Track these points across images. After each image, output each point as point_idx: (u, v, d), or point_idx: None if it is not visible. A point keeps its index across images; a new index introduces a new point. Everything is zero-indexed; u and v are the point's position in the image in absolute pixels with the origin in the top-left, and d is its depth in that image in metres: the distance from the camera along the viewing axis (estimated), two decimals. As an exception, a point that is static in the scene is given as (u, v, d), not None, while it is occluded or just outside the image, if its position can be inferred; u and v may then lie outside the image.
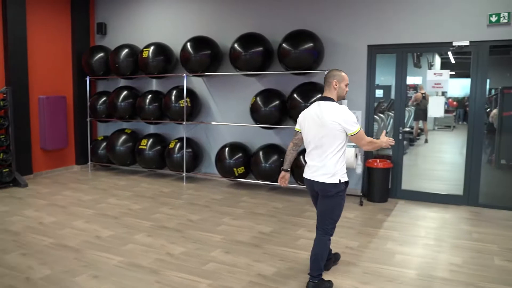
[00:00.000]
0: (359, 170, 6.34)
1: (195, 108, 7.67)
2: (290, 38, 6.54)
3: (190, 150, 7.63)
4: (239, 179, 7.22)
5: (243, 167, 7.09)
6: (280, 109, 6.75)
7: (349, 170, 6.76)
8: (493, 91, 14.35)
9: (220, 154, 7.27)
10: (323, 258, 3.60)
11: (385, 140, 3.62)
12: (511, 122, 8.66)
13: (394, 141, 3.71)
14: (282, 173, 3.92)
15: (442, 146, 11.61)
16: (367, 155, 6.66)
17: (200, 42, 7.28)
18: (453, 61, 12.28)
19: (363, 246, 4.61)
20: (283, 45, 6.54)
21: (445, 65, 12.25)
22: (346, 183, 3.56)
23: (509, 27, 5.80)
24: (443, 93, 9.41)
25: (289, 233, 5.00)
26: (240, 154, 7.14)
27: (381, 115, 9.15)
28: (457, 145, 12.09)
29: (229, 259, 4.24)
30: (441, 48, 6.31)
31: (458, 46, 6.02)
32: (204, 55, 7.20)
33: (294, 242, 4.72)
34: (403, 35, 6.33)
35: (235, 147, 7.26)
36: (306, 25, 6.78)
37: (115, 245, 4.58)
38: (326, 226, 3.57)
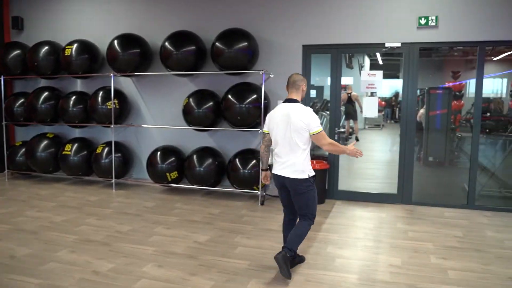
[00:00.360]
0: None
1: (124, 110, 7.19)
2: (223, 37, 6.29)
3: (119, 154, 7.15)
4: (172, 185, 6.86)
5: (176, 172, 6.73)
6: (214, 111, 6.47)
7: None
8: (418, 92, 14.92)
9: (151, 158, 6.86)
10: (302, 239, 3.86)
11: (351, 148, 3.77)
12: (437, 121, 9.02)
13: (362, 154, 3.84)
14: (263, 173, 4.17)
15: (373, 145, 11.90)
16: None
17: (128, 40, 6.82)
18: (381, 62, 12.66)
19: (303, 251, 4.45)
20: (217, 44, 6.27)
21: (373, 66, 12.60)
22: (314, 176, 3.82)
23: (437, 30, 5.93)
24: (372, 94, 9.64)
25: (226, 241, 4.74)
26: (173, 158, 6.77)
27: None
28: (386, 143, 12.47)
29: (162, 273, 3.89)
30: (374, 48, 6.34)
31: (391, 47, 6.07)
32: (133, 53, 6.76)
33: (232, 251, 4.46)
34: (337, 35, 6.29)
35: (168, 151, 6.88)
36: (240, 23, 6.56)
37: (33, 265, 4.06)
38: (308, 214, 3.85)
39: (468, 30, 5.86)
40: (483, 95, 5.90)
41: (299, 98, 3.88)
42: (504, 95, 16.34)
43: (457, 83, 13.00)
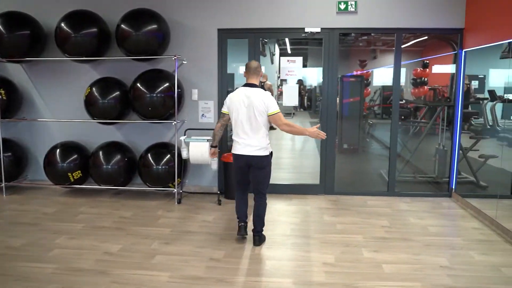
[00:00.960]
0: (214, 165, 5.71)
1: (13, 102, 6.14)
2: (130, 18, 5.54)
3: (9, 154, 6.12)
4: (75, 186, 6.00)
5: (79, 171, 5.90)
6: (121, 101, 5.73)
7: (204, 166, 6.14)
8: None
9: (49, 156, 5.94)
10: (265, 215, 4.37)
11: (312, 130, 4.09)
12: (350, 109, 9.03)
13: (325, 135, 4.17)
14: (212, 149, 4.61)
15: (286, 134, 11.73)
16: (223, 149, 6.08)
17: (14, 19, 5.78)
18: (289, 51, 12.53)
19: (230, 255, 3.99)
20: (122, 25, 5.51)
21: (283, 55, 12.44)
22: (271, 152, 4.28)
23: (356, 16, 5.74)
24: (282, 81, 9.42)
25: (142, 250, 4.12)
26: (75, 156, 5.92)
27: None
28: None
29: (66, 297, 3.22)
30: (293, 33, 6.00)
31: (310, 32, 5.78)
32: (21, 35, 5.76)
33: (149, 261, 3.87)
34: (255, 19, 5.86)
35: (69, 148, 6.01)
36: (149, 3, 5.85)
37: None
38: (263, 190, 4.30)
39: (386, 16, 5.74)
40: (385, 84, 5.92)
41: (257, 83, 4.23)
42: (403, 84, 17.24)
43: (365, 71, 13.33)
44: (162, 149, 5.85)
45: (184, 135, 5.90)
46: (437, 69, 13.80)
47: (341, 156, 8.31)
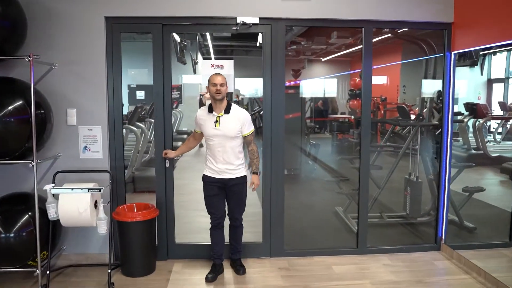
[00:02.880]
0: (103, 228, 3.51)
1: None
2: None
3: None
4: None
5: None
6: None
7: (88, 230, 3.94)
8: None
9: None
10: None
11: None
12: (288, 126, 7.19)
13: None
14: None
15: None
16: (115, 204, 3.90)
17: None
18: (213, 59, 10.48)
19: None
20: None
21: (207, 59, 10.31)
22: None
23: (309, 3, 3.87)
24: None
25: None
26: None
27: (141, 124, 6.54)
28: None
29: None
30: (220, 26, 3.95)
31: (243, 23, 3.80)
32: None
33: None
34: (163, 4, 3.77)
35: None
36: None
37: None
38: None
39: (350, 4, 3.93)
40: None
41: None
42: (335, 95, 15.90)
43: (298, 81, 11.71)
44: (15, 205, 3.53)
45: (53, 181, 3.64)
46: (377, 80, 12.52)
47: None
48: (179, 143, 8.53)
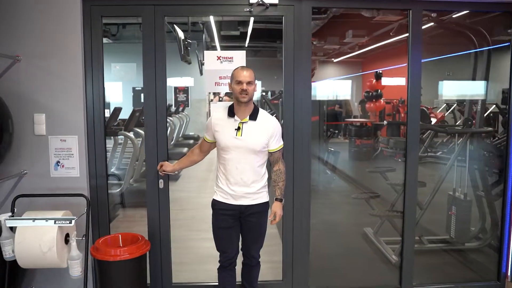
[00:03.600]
0: (76, 270, 2.63)
1: None
2: None
3: None
4: None
5: None
6: None
7: (57, 272, 3.02)
8: (270, 94, 12.40)
9: None
10: None
11: None
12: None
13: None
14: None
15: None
16: (97, 235, 3.03)
17: None
18: (219, 50, 9.52)
19: None
20: None
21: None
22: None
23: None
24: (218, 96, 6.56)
25: None
26: None
27: (130, 134, 5.71)
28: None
29: None
30: (228, 6, 3.06)
31: (260, 2, 2.91)
32: None
33: None
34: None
35: None
36: None
37: None
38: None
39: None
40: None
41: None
42: (349, 98, 14.98)
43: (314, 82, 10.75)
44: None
45: (11, 209, 2.77)
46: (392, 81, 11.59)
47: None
48: (185, 150, 7.46)
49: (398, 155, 4.06)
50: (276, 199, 2.68)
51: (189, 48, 6.68)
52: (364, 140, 8.47)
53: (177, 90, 11.84)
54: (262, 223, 2.69)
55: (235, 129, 2.54)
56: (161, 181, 2.97)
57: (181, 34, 6.31)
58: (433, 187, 4.04)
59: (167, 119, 8.64)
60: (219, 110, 2.63)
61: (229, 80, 2.61)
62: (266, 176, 2.67)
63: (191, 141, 9.37)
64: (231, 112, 2.57)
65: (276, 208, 2.66)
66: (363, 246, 4.24)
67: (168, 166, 2.86)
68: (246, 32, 8.11)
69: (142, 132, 5.86)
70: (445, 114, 9.25)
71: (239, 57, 2.95)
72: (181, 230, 4.62)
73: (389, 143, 3.96)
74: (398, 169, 4.83)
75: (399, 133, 7.71)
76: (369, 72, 13.60)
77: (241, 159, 2.55)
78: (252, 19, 7.36)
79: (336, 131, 9.68)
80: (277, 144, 2.62)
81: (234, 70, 2.55)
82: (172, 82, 11.55)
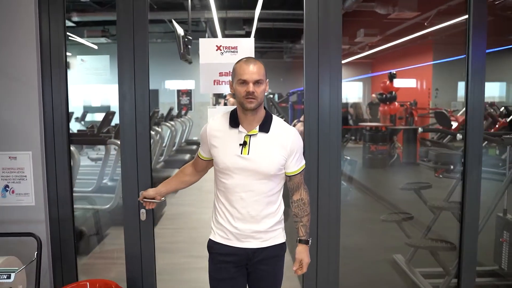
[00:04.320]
0: None
1: None
2: None
3: None
4: None
5: None
6: None
7: None
8: (276, 96, 11.61)
9: None
10: None
11: None
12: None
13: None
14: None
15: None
16: (60, 282, 2.26)
17: None
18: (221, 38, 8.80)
19: None
20: None
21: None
22: None
23: None
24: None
25: None
26: None
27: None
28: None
29: None
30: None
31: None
32: None
33: None
34: None
35: None
36: None
37: None
38: None
39: None
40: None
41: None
42: (360, 100, 14.18)
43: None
44: None
45: None
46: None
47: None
48: (187, 156, 6.77)
49: (440, 170, 3.28)
50: (300, 241, 1.90)
51: (189, 46, 5.92)
52: (380, 146, 7.68)
53: (180, 92, 11.18)
54: (276, 272, 1.90)
55: (240, 145, 1.76)
56: (142, 211, 2.20)
57: (180, 30, 5.56)
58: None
59: (168, 124, 7.92)
60: (218, 117, 1.86)
61: (230, 77, 1.84)
62: (282, 207, 1.89)
63: (194, 147, 8.63)
64: (234, 121, 1.80)
65: (302, 255, 1.88)
66: (394, 279, 3.44)
67: (150, 190, 2.05)
68: (251, 32, 7.49)
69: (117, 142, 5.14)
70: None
71: (246, 46, 2.17)
72: (178, 256, 3.87)
73: (429, 155, 3.21)
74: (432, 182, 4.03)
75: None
76: (380, 74, 12.85)
77: (248, 186, 1.77)
78: (256, 17, 6.72)
79: (353, 137, 8.91)
80: (297, 164, 1.84)
81: (236, 64, 1.78)
82: (175, 84, 10.95)
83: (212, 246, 1.88)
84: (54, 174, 2.22)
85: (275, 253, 1.87)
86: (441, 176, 3.35)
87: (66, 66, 2.20)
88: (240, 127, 1.78)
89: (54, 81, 2.18)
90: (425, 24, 5.88)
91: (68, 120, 2.24)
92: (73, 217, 2.28)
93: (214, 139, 1.82)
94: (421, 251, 3.44)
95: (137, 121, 2.19)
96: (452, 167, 3.12)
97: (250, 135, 1.77)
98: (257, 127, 1.78)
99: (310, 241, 1.91)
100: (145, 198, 2.01)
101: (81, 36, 7.46)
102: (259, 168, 1.75)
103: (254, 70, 1.71)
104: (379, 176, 7.23)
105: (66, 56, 2.20)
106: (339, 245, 2.33)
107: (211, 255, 1.90)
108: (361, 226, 4.85)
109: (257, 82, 1.71)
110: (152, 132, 6.15)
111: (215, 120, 1.86)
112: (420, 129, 6.70)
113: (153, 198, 1.99)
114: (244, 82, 1.70)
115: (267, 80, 1.78)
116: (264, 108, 1.82)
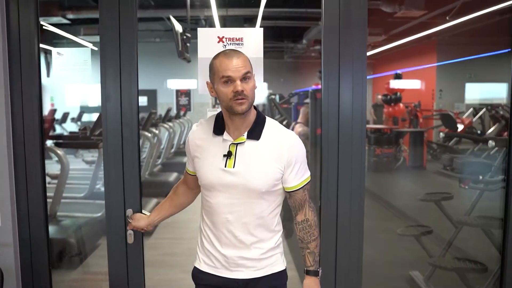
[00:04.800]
0: None
1: None
2: None
3: None
4: None
5: None
6: None
7: None
8: (278, 97, 11.28)
9: None
10: None
11: None
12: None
13: None
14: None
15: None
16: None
17: None
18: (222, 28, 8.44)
19: None
20: None
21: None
22: None
23: None
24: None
25: None
26: None
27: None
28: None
29: None
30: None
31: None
32: None
33: None
34: None
35: None
36: None
37: None
38: None
39: None
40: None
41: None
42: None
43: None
44: None
45: None
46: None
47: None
48: (185, 159, 6.17)
49: (467, 181, 2.92)
50: (308, 272, 1.54)
51: (188, 44, 5.57)
52: (385, 149, 7.34)
53: (178, 93, 10.83)
54: None
55: (224, 156, 1.44)
56: (130, 233, 1.83)
57: (178, 27, 5.22)
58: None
59: (166, 125, 7.56)
60: (202, 121, 1.55)
61: (208, 78, 1.48)
62: (280, 231, 1.54)
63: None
64: (218, 127, 1.48)
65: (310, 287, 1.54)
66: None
67: (142, 219, 1.73)
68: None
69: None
70: (473, 120, 8.15)
71: (254, 37, 1.80)
72: (176, 271, 3.54)
73: (454, 163, 2.87)
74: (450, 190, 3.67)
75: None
76: (383, 75, 12.50)
77: (234, 206, 1.45)
78: (260, 15, 6.39)
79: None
80: (299, 178, 1.49)
81: (214, 59, 1.45)
82: (176, 84, 10.63)
83: (197, 275, 1.55)
84: (25, 189, 1.85)
85: (272, 284, 1.53)
86: (466, 187, 2.99)
87: (39, 61, 1.83)
88: (225, 134, 1.45)
89: (25, 78, 1.81)
90: (447, 18, 5.52)
91: (42, 122, 1.87)
92: (47, 236, 1.91)
93: (196, 149, 1.50)
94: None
95: (123, 125, 1.81)
96: (481, 177, 2.77)
97: (237, 144, 1.43)
98: (245, 134, 1.44)
99: (320, 271, 1.55)
100: (134, 227, 1.70)
101: (77, 35, 7.10)
102: (247, 184, 1.41)
103: (239, 63, 1.38)
104: (385, 180, 6.89)
105: (39, 49, 1.84)
106: (361, 276, 1.96)
107: (197, 287, 1.56)
108: (370, 235, 4.48)
109: (244, 78, 1.37)
110: (149, 134, 5.81)
111: (199, 125, 1.54)
112: (441, 134, 6.33)
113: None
114: (229, 80, 1.38)
115: (254, 73, 1.44)
116: (256, 109, 1.47)
